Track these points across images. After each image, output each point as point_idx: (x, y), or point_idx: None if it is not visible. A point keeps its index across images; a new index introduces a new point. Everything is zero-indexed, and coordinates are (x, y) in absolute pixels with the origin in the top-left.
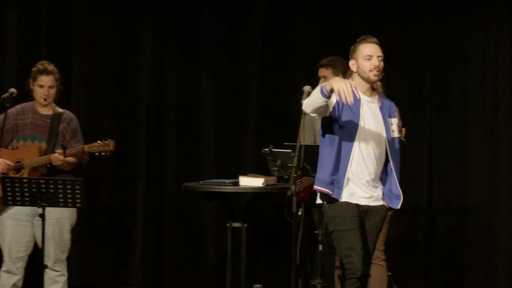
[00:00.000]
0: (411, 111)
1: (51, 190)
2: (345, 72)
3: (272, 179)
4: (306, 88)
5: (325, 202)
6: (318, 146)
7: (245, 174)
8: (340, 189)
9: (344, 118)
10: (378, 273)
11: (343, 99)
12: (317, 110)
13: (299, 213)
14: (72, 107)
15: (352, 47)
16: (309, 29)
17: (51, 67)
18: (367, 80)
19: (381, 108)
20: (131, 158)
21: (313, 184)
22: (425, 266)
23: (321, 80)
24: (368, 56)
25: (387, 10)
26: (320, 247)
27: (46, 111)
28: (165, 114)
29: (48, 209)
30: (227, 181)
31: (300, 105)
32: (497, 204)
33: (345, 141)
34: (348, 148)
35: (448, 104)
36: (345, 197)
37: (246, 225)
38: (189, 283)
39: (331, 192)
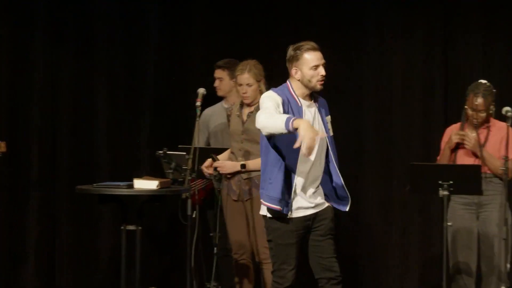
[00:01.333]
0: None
1: None
2: None
3: (167, 182)
4: (201, 90)
5: (268, 214)
6: (212, 148)
7: (139, 176)
8: (289, 202)
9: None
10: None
11: (304, 151)
12: (272, 134)
13: (194, 216)
14: None
15: (292, 53)
16: (204, 31)
17: None
18: (312, 88)
19: (319, 109)
20: (24, 161)
21: (208, 186)
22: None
23: (216, 81)
24: (314, 66)
25: (282, 13)
26: (215, 250)
27: None
28: (58, 116)
29: None
30: (121, 183)
31: (194, 106)
32: (390, 203)
33: (291, 153)
34: (294, 160)
35: (343, 101)
36: (293, 212)
37: (140, 227)
38: (83, 286)
39: (281, 208)
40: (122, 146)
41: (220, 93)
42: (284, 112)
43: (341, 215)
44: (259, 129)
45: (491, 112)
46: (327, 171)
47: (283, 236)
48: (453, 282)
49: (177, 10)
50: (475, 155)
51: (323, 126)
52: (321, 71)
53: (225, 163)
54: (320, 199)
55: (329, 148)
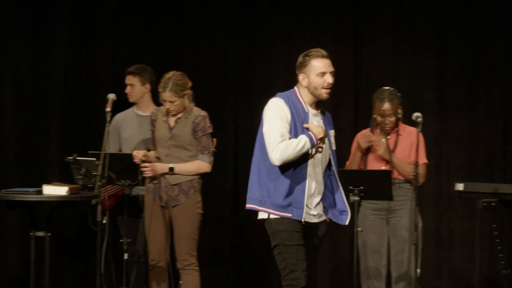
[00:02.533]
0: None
1: None
2: (152, 81)
3: (77, 188)
4: (111, 96)
5: (270, 216)
6: (123, 154)
7: (49, 182)
8: (301, 209)
9: (296, 134)
10: (194, 277)
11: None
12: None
13: (104, 222)
14: None
15: (301, 60)
16: (114, 35)
17: None
18: (317, 96)
19: (324, 120)
20: None
21: (118, 191)
22: (232, 273)
23: (128, 87)
24: (321, 73)
25: (192, 17)
26: (126, 256)
27: None
28: None
29: None
30: (30, 189)
31: (104, 112)
32: None
33: (301, 160)
34: (303, 166)
35: (252, 105)
36: (306, 217)
37: (50, 234)
38: None
39: (290, 215)
40: (31, 152)
41: (131, 99)
42: (292, 122)
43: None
44: (187, 135)
45: (399, 116)
46: (328, 184)
47: (291, 238)
48: (363, 286)
49: (87, 14)
50: (385, 160)
51: (326, 139)
52: (328, 78)
53: (155, 165)
54: (320, 210)
55: (332, 161)
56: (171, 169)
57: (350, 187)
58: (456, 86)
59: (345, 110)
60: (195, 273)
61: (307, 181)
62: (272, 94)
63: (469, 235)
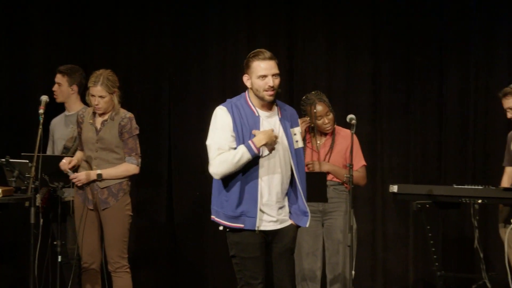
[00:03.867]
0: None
1: None
2: (81, 84)
3: (10, 190)
4: (44, 97)
5: (228, 229)
6: (56, 156)
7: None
8: (254, 218)
9: (244, 140)
10: (125, 280)
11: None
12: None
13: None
14: None
15: (245, 61)
16: (45, 34)
17: None
18: (261, 98)
19: (281, 120)
20: None
21: (51, 193)
22: (165, 275)
23: (55, 86)
24: (261, 76)
25: (126, 18)
26: (59, 258)
27: None
28: None
29: None
30: None
31: (37, 113)
32: None
33: (249, 166)
34: (254, 174)
35: (187, 106)
36: (261, 225)
37: None
38: None
39: (243, 225)
40: None
41: (57, 99)
42: (239, 128)
43: None
44: (114, 138)
45: (334, 115)
46: (291, 186)
47: (246, 250)
48: None
49: (19, 13)
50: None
51: (285, 138)
52: (269, 81)
53: (79, 175)
54: (284, 215)
55: (292, 161)
56: (99, 175)
57: None
58: (390, 88)
59: None
60: (127, 275)
61: (259, 188)
62: (207, 95)
63: (403, 236)
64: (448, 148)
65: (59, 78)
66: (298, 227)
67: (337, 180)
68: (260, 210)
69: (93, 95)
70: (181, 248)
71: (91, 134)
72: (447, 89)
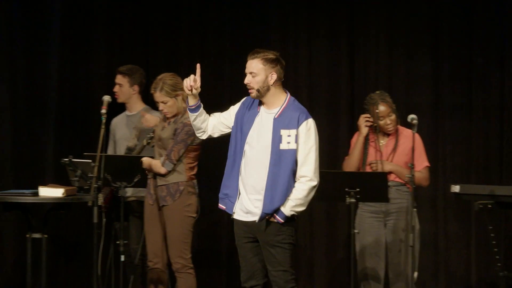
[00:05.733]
0: None
1: None
2: (142, 83)
3: (73, 190)
4: (106, 98)
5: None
6: (119, 156)
7: (45, 184)
8: (233, 203)
9: (241, 128)
10: (187, 281)
11: (188, 87)
12: (197, 127)
13: (102, 223)
14: None
15: None
16: (108, 36)
17: None
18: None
19: (275, 119)
20: None
21: (113, 193)
22: (230, 276)
23: (116, 87)
24: (246, 73)
25: (187, 19)
26: (122, 258)
27: None
28: None
29: None
30: (26, 191)
31: (99, 113)
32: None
33: (236, 153)
34: (238, 160)
35: None
36: (236, 212)
37: (46, 235)
38: None
39: (224, 207)
40: (27, 154)
41: (119, 99)
42: (241, 115)
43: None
44: (169, 139)
45: (397, 115)
46: (269, 183)
47: (236, 237)
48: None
49: (80, 13)
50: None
51: (271, 136)
52: (246, 78)
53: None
54: (258, 210)
55: (270, 159)
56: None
57: (346, 189)
58: (451, 88)
59: (341, 114)
60: (189, 276)
61: (240, 173)
62: None
63: (465, 237)
64: (510, 148)
65: (119, 79)
66: (270, 222)
67: (400, 180)
68: (239, 198)
69: (156, 102)
70: None
71: (158, 132)
72: (509, 89)
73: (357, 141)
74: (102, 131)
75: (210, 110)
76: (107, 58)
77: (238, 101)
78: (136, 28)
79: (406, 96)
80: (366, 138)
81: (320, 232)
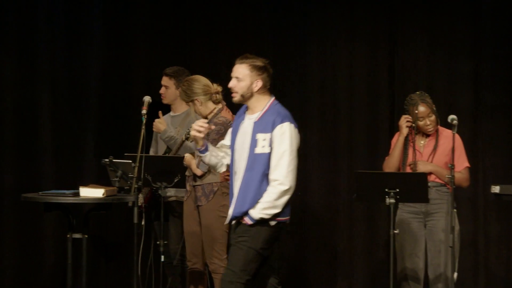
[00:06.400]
0: None
1: None
2: None
3: (113, 190)
4: (146, 98)
5: None
6: (159, 156)
7: (85, 184)
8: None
9: (231, 140)
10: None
11: (198, 135)
12: (213, 164)
13: (142, 223)
14: None
15: None
16: (150, 36)
17: None
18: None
19: (255, 123)
20: None
21: (153, 193)
22: None
23: (162, 88)
24: (232, 76)
25: (227, 20)
26: (162, 258)
27: None
28: (2, 124)
29: None
30: (67, 192)
31: (140, 114)
32: (337, 211)
33: (231, 160)
34: (232, 166)
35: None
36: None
37: (86, 235)
38: None
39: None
40: (68, 154)
41: (164, 100)
42: (233, 129)
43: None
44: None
45: (437, 116)
46: (243, 186)
47: None
48: None
49: (122, 14)
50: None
51: (249, 140)
52: (231, 82)
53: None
54: (237, 210)
55: (247, 163)
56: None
57: (386, 190)
58: (491, 89)
59: (381, 114)
60: None
61: (232, 177)
62: (306, 98)
63: (506, 238)
64: None
65: (166, 80)
66: (241, 223)
67: (440, 181)
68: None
69: None
70: (282, 248)
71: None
72: None
73: (397, 142)
74: (143, 132)
75: None
76: (148, 59)
77: (279, 101)
78: (177, 29)
79: (447, 96)
80: (406, 139)
81: (360, 233)
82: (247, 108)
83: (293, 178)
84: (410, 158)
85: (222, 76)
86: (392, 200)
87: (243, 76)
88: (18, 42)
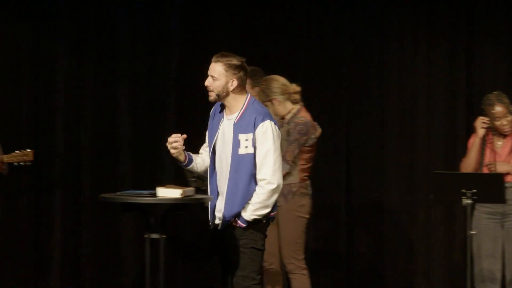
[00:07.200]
0: (328, 118)
1: None
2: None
3: (190, 190)
4: None
5: None
6: None
7: (162, 185)
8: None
9: (210, 140)
10: (300, 282)
11: (176, 152)
12: (202, 172)
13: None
14: None
15: None
16: (227, 36)
17: None
18: None
19: (235, 124)
20: (48, 170)
21: None
22: (346, 279)
23: None
24: (208, 74)
25: (305, 24)
26: None
27: None
28: (83, 123)
29: None
30: (144, 192)
31: None
32: (414, 212)
33: (210, 161)
34: (211, 168)
35: (365, 109)
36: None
37: (164, 236)
38: None
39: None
40: (145, 154)
41: None
42: (211, 126)
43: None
44: (283, 140)
45: None
46: (229, 189)
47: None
48: None
49: (200, 14)
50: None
51: (231, 141)
52: (206, 80)
53: None
54: (220, 214)
55: (231, 165)
56: None
57: (463, 190)
58: None
59: (459, 115)
60: (302, 277)
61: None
62: (385, 97)
63: None
64: None
65: None
66: (233, 227)
67: None
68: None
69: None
70: (359, 248)
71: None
72: None
73: (473, 143)
74: None
75: (328, 112)
76: None
77: (358, 104)
78: (254, 28)
79: None
80: (483, 140)
81: (437, 234)
82: (223, 107)
83: (280, 176)
84: (487, 159)
85: (299, 77)
86: (469, 201)
87: (219, 75)
88: (98, 43)
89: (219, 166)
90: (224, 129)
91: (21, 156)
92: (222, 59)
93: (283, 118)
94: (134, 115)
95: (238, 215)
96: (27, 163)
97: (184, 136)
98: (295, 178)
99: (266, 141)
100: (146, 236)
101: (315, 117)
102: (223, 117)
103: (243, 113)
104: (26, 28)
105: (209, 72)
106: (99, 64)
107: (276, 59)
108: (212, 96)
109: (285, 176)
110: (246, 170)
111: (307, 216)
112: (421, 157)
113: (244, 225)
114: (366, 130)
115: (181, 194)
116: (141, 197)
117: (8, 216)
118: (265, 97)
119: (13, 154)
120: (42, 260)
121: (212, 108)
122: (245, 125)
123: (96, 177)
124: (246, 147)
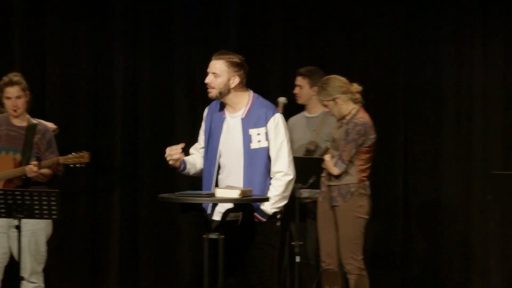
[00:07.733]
0: (385, 118)
1: (27, 202)
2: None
3: (249, 191)
4: (281, 99)
5: None
6: (294, 157)
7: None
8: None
9: (211, 136)
10: (359, 282)
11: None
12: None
13: (278, 224)
14: (47, 119)
15: None
16: (283, 35)
17: (16, 78)
18: None
19: (243, 120)
20: (106, 171)
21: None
22: (403, 278)
23: (296, 88)
24: (208, 72)
25: (360, 24)
26: (298, 259)
27: (20, 122)
28: (140, 124)
29: (23, 220)
30: (203, 192)
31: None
32: (471, 212)
33: (211, 160)
34: (213, 167)
35: (422, 109)
36: (214, 214)
37: (223, 236)
38: None
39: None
40: None
41: (299, 100)
42: (208, 126)
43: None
44: (341, 140)
45: None
46: (246, 185)
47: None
48: None
49: (256, 13)
50: None
51: (241, 137)
52: (207, 78)
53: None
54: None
55: (244, 160)
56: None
57: None
58: None
59: None
60: (361, 278)
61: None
62: (441, 98)
63: None
64: None
65: (300, 80)
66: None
67: None
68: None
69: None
70: (415, 249)
71: (333, 133)
72: None
73: None
74: None
75: (383, 113)
76: (283, 59)
77: (415, 104)
78: (312, 28)
79: None
80: None
81: (495, 235)
82: (222, 106)
83: (294, 167)
84: None
85: (355, 78)
86: None
87: (221, 72)
88: (154, 46)
89: (226, 163)
90: (230, 127)
91: (77, 157)
92: (223, 57)
93: (343, 118)
94: (191, 115)
95: (256, 209)
96: (83, 165)
97: (182, 145)
98: (353, 178)
99: (279, 134)
100: (205, 236)
101: (372, 118)
102: (224, 115)
103: (250, 107)
104: (83, 30)
105: (210, 70)
106: (155, 64)
107: (331, 60)
108: (213, 93)
109: (342, 175)
110: (261, 164)
111: (366, 216)
112: (479, 157)
113: (264, 219)
114: (423, 130)
115: (240, 195)
116: (200, 198)
117: (65, 217)
118: (327, 96)
119: (69, 155)
120: (99, 261)
121: (206, 109)
122: (255, 119)
123: (154, 178)
124: (259, 141)
